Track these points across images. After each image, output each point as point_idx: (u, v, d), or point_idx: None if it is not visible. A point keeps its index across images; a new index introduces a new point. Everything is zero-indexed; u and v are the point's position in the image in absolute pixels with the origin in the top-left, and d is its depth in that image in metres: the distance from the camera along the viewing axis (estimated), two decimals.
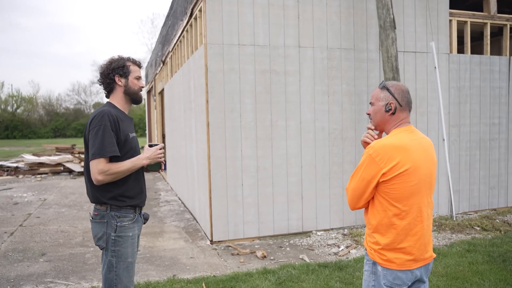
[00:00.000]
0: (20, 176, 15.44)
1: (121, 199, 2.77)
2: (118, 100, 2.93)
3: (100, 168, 2.64)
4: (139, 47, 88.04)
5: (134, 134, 2.94)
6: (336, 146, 6.93)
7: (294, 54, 6.68)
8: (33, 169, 16.13)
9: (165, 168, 14.16)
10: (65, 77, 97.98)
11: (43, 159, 16.69)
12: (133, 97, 2.96)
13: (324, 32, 6.82)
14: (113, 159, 2.72)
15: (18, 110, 56.29)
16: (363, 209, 2.56)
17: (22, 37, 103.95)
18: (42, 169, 15.99)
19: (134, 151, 2.86)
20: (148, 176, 14.42)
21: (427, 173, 2.28)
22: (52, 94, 76.69)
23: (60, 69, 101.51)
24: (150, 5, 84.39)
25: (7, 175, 15.74)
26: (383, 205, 2.25)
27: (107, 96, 2.96)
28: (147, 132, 20.68)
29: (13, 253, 6.05)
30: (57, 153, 19.59)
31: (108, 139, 2.65)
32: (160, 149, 2.93)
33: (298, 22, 6.69)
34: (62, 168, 16.21)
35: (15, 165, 16.52)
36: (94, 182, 2.70)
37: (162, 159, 2.94)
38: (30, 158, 17.10)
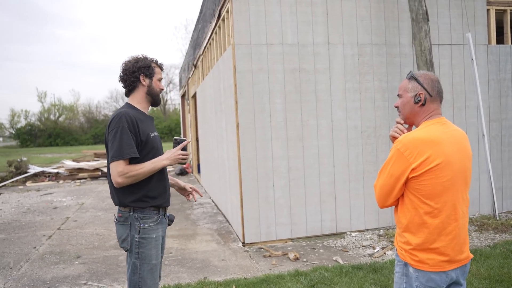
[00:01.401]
0: (61, 182, 15.90)
1: (144, 199, 2.73)
2: (138, 99, 2.90)
3: (119, 170, 2.61)
4: (174, 53, 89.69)
5: (155, 134, 2.90)
6: (369, 145, 6.74)
7: (323, 51, 6.55)
8: (73, 174, 16.58)
9: (199, 171, 14.27)
10: (104, 85, 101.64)
11: (82, 164, 17.12)
12: (154, 98, 2.94)
13: (354, 28, 6.66)
14: (132, 160, 2.69)
15: (60, 118, 58.54)
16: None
17: (63, 48, 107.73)
18: (81, 174, 16.42)
19: (156, 151, 2.82)
20: (182, 179, 14.53)
21: (461, 168, 2.13)
22: (91, 102, 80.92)
23: (99, 78, 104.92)
24: (183, 11, 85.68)
25: (49, 180, 16.24)
26: (413, 203, 2.11)
27: (127, 95, 2.94)
28: (181, 134, 20.97)
29: (50, 255, 6.18)
30: (95, 158, 20.07)
31: (126, 141, 2.62)
32: (185, 146, 2.89)
33: (326, 18, 6.55)
34: (100, 173, 16.58)
35: (56, 171, 17.03)
36: (114, 185, 2.67)
37: (184, 160, 2.87)
38: (70, 164, 17.58)
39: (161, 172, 2.85)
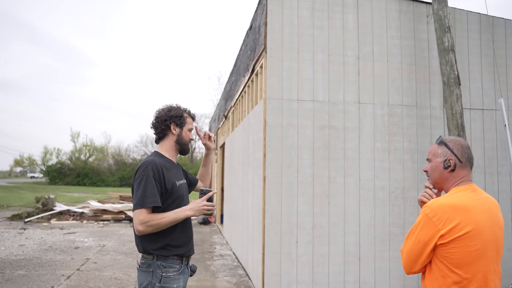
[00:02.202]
0: (84, 222, 16.05)
1: (168, 248, 2.73)
2: (167, 147, 2.95)
3: (141, 219, 2.62)
4: (206, 102, 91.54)
5: (182, 181, 2.93)
6: (397, 206, 6.61)
7: (353, 110, 6.60)
8: (97, 215, 16.74)
9: (222, 221, 14.18)
10: (135, 129, 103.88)
11: (107, 206, 17.32)
12: (183, 148, 2.98)
13: (385, 89, 6.73)
14: (156, 209, 2.69)
15: (90, 159, 59.77)
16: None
17: (100, 92, 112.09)
18: (105, 216, 16.55)
19: (182, 199, 2.84)
20: (205, 229, 14.46)
21: (492, 237, 2.07)
22: (122, 145, 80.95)
23: (131, 122, 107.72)
24: (218, 63, 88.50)
25: (73, 219, 16.42)
26: (441, 271, 2.05)
27: (157, 142, 2.99)
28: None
29: None
30: (120, 201, 20.29)
31: (150, 189, 2.64)
32: (210, 198, 2.88)
33: (358, 78, 6.65)
34: (123, 216, 16.69)
35: (80, 210, 17.24)
36: (136, 232, 2.69)
37: (210, 211, 2.86)
38: (95, 204, 17.81)
39: (186, 222, 2.85)
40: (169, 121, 2.90)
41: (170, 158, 2.93)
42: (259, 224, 6.45)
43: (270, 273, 6.15)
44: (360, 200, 6.50)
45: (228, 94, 11.86)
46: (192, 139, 3.00)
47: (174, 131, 2.92)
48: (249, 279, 7.39)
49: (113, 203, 19.51)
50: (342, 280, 6.35)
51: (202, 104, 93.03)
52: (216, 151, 15.45)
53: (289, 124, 6.39)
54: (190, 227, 2.92)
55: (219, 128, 14.40)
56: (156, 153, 2.92)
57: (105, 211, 16.95)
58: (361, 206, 6.50)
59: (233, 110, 10.37)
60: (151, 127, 2.94)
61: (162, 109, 2.94)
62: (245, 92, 8.48)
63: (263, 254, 6.16)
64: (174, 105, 2.98)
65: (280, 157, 6.33)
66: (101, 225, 15.13)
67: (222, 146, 14.06)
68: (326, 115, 6.51)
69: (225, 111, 12.29)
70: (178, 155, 3.05)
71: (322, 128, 6.49)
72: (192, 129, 3.01)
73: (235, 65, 10.81)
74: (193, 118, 3.01)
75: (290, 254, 6.21)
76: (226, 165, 12.22)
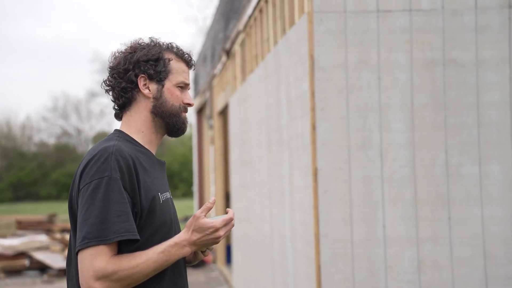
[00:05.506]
0: None
1: None
2: (139, 125, 1.88)
3: (97, 268, 1.65)
4: (181, 24, 57.66)
5: (168, 195, 1.91)
6: None
7: (497, 21, 3.78)
8: None
9: (228, 260, 8.62)
10: (41, 84, 56.50)
11: None
12: (170, 122, 1.86)
13: None
14: (124, 247, 1.71)
15: None
16: None
17: None
18: None
19: (169, 229, 1.83)
20: (196, 277, 8.91)
21: None
22: (13, 117, 37.09)
23: (34, 68, 60.22)
24: None
25: None
26: None
27: (118, 115, 1.91)
28: (195, 187, 13.00)
29: None
30: (19, 231, 12.13)
31: (116, 207, 1.68)
32: (225, 224, 1.76)
33: None
34: (27, 261, 9.65)
35: None
36: None
37: (217, 240, 1.79)
38: None
39: (178, 266, 1.89)
40: (133, 71, 1.84)
41: (146, 146, 1.87)
42: (309, 264, 3.71)
43: None
44: None
45: (230, 8, 7.33)
46: (190, 104, 1.92)
47: (145, 91, 1.85)
48: None
49: (4, 236, 11.60)
50: None
51: (174, 27, 54.09)
52: (211, 122, 9.60)
53: (362, 62, 3.71)
54: (184, 272, 1.96)
55: (214, 76, 8.99)
56: (120, 134, 1.84)
57: None
58: None
59: (244, 40, 6.42)
60: (104, 88, 1.91)
61: (121, 52, 1.89)
62: (267, 1, 5.20)
63: None
64: (146, 40, 1.91)
65: (346, 129, 3.72)
66: None
67: (224, 112, 8.60)
68: (438, 38, 3.63)
69: (225, 41, 7.57)
70: (163, 138, 1.98)
71: (429, 65, 3.71)
72: (187, 84, 1.90)
73: None
74: (187, 61, 1.90)
75: None
76: (232, 149, 7.51)
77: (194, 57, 1.99)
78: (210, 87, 9.62)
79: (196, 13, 42.76)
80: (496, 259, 3.43)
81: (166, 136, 1.93)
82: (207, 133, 10.53)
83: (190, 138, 20.63)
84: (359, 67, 3.56)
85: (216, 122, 9.15)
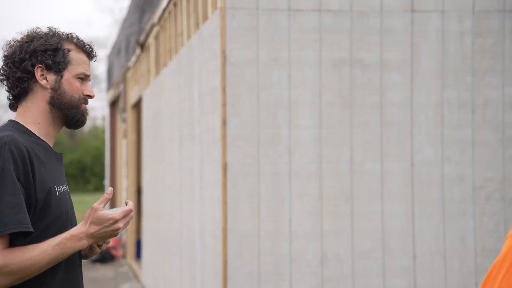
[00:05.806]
0: None
1: None
2: (35, 116, 1.84)
3: None
4: (96, 14, 52.46)
5: (65, 188, 1.86)
6: (490, 216, 3.72)
7: (401, 26, 3.77)
8: None
9: (138, 255, 8.41)
10: None
11: None
12: (69, 114, 1.83)
13: None
14: (17, 240, 1.68)
15: None
16: None
17: None
18: None
19: (65, 222, 1.79)
20: (105, 272, 8.69)
21: None
22: None
23: None
24: None
25: None
26: None
27: (13, 106, 1.88)
28: (106, 181, 12.98)
29: None
30: None
31: (9, 198, 1.65)
32: (124, 216, 1.73)
33: None
34: None
35: None
36: None
37: (116, 232, 1.78)
38: None
39: (70, 261, 1.83)
40: (29, 61, 1.78)
41: (43, 138, 1.82)
42: (215, 258, 3.70)
43: None
44: (415, 205, 3.75)
45: (145, 0, 7.33)
46: (90, 96, 1.87)
47: (43, 81, 1.80)
48: None
49: None
50: None
51: (88, 17, 50.86)
52: (125, 115, 9.32)
53: (273, 60, 3.67)
54: (79, 271, 1.90)
55: (128, 68, 8.80)
56: (15, 125, 1.80)
57: None
58: (417, 217, 3.76)
59: (158, 33, 6.29)
60: (0, 82, 1.86)
61: (17, 41, 1.82)
62: None
63: None
64: (44, 29, 1.85)
65: (256, 124, 3.69)
66: None
67: (137, 105, 8.33)
68: (346, 39, 3.68)
69: (140, 34, 7.40)
70: (61, 130, 1.96)
71: (337, 64, 3.74)
72: (87, 75, 1.85)
73: None
74: (87, 52, 1.86)
75: None
76: (145, 143, 7.30)
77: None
78: (124, 79, 9.36)
79: (112, 3, 41.41)
80: (393, 252, 3.58)
81: (80, 129, 1.98)
82: (120, 127, 10.22)
83: (103, 131, 19.83)
84: (270, 64, 3.54)
85: (130, 115, 8.91)
